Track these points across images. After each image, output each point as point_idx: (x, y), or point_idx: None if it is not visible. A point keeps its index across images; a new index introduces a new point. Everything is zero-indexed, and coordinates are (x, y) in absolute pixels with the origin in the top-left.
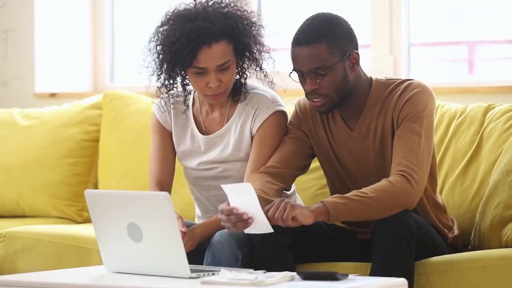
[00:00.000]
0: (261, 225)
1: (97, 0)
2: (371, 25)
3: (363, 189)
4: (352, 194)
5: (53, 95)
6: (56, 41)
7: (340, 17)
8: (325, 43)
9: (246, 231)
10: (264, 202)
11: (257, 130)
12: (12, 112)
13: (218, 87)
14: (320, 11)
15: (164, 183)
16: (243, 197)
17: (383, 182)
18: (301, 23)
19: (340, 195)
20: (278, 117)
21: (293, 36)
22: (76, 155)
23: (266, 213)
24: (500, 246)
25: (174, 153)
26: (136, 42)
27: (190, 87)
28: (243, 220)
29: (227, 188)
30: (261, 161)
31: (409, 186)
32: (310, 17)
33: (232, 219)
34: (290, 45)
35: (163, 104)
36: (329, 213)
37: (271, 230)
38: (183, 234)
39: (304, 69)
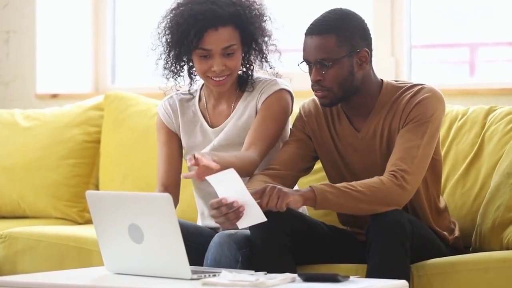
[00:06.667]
0: (253, 214)
1: (98, 1)
2: (373, 27)
3: (353, 183)
4: (341, 185)
5: (54, 96)
6: (57, 42)
7: (357, 14)
8: (334, 35)
9: (240, 225)
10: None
11: (262, 104)
12: (14, 113)
13: (221, 71)
14: (338, 6)
15: (169, 184)
16: (229, 184)
17: (374, 179)
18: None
19: (329, 183)
20: (283, 94)
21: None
22: (77, 156)
23: (255, 198)
24: (501, 248)
25: (179, 151)
26: (138, 43)
27: (196, 77)
28: (234, 210)
29: (212, 178)
30: (261, 134)
31: (398, 187)
32: (328, 10)
33: (223, 211)
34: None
35: (167, 105)
36: (316, 200)
37: (265, 219)
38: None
39: (311, 59)
